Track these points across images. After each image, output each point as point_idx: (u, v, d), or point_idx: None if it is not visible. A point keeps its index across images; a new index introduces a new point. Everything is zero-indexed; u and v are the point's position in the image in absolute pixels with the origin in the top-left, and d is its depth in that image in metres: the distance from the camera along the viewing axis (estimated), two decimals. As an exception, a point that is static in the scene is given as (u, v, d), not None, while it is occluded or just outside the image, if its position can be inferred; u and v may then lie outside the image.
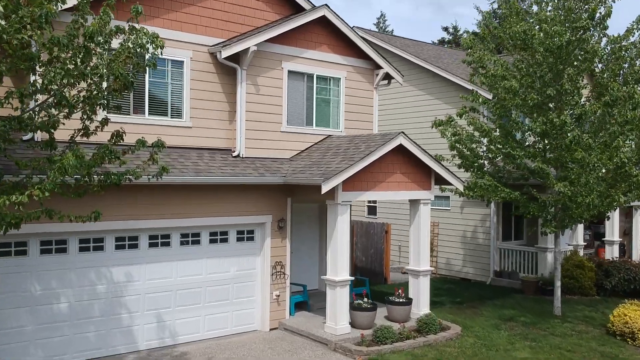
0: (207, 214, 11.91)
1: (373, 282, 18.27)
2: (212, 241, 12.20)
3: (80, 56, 6.88)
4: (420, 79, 21.03)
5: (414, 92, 21.19)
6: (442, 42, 57.12)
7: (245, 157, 12.80)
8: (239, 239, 12.61)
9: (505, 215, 19.47)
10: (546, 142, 13.69)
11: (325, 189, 11.43)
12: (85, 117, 7.58)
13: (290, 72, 13.63)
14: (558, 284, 14.50)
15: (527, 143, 14.70)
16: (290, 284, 13.29)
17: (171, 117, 12.17)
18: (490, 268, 19.07)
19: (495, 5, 52.89)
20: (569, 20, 13.13)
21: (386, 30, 62.91)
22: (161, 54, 8.09)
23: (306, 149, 13.84)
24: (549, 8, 14.23)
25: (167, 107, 12.14)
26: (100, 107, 7.73)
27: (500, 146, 13.85)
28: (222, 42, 12.76)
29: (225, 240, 12.39)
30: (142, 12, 7.37)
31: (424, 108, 20.75)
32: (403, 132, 12.70)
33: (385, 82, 15.57)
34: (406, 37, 24.98)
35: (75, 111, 7.25)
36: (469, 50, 14.52)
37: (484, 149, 15.28)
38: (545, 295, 16.90)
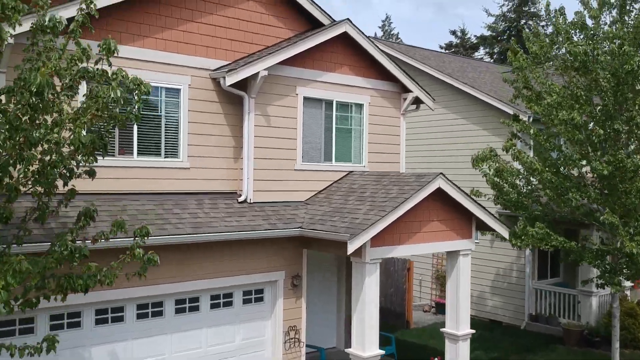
0: (208, 275, 9.86)
1: (394, 326, 16.25)
2: (213, 306, 10.15)
3: (29, 113, 4.84)
4: (445, 95, 18.97)
5: (437, 109, 19.12)
6: (449, 46, 55.31)
7: (254, 203, 10.75)
8: (245, 301, 10.56)
9: (540, 250, 17.41)
10: (605, 183, 11.59)
11: (352, 248, 9.38)
12: (39, 194, 5.53)
13: (306, 98, 11.59)
14: (616, 345, 12.41)
15: (576, 178, 12.57)
16: (306, 345, 11.26)
17: (165, 157, 10.13)
18: (525, 311, 17.00)
19: (505, 9, 51.18)
20: (638, 37, 11.05)
21: (392, 33, 60.94)
22: (148, 94, 6.07)
23: (325, 188, 11.80)
24: (606, 20, 12.15)
25: (160, 145, 10.09)
26: (61, 181, 5.67)
27: (554, 186, 11.72)
28: (227, 65, 10.73)
29: (229, 304, 10.34)
30: (116, 50, 5.31)
31: (448, 128, 18.69)
32: (442, 174, 10.65)
33: (414, 107, 13.52)
34: (425, 48, 22.94)
35: (19, 194, 5.21)
36: (516, 69, 12.46)
37: (529, 185, 13.18)
38: (592, 348, 14.84)
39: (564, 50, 12.05)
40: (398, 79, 12.76)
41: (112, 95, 5.00)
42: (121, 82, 5.14)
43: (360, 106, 12.45)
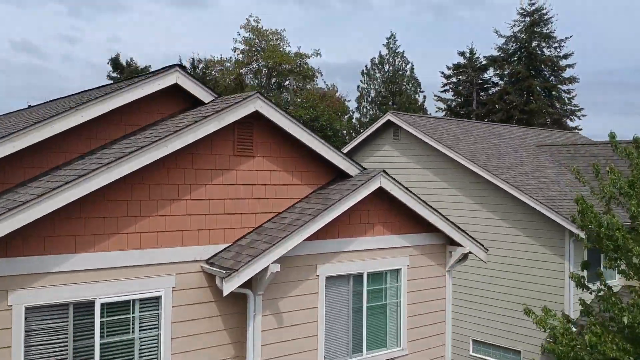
0: None
1: None
2: None
3: None
4: (476, 189, 16.27)
5: (469, 204, 16.41)
6: (457, 66, 52.88)
7: None
8: None
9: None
10: None
11: None
12: None
13: (329, 278, 8.80)
14: None
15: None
16: None
17: (140, 395, 7.35)
18: None
19: (516, 29, 48.56)
20: None
21: (397, 51, 58.07)
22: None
23: (353, 392, 9.04)
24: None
25: (132, 380, 7.31)
26: None
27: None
28: (226, 249, 7.97)
29: None
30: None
31: (482, 227, 15.94)
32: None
33: (461, 257, 10.74)
34: (448, 118, 20.17)
35: None
36: (604, 240, 9.76)
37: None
38: None
39: None
40: (442, 230, 9.99)
41: None
42: None
43: (397, 272, 9.67)
